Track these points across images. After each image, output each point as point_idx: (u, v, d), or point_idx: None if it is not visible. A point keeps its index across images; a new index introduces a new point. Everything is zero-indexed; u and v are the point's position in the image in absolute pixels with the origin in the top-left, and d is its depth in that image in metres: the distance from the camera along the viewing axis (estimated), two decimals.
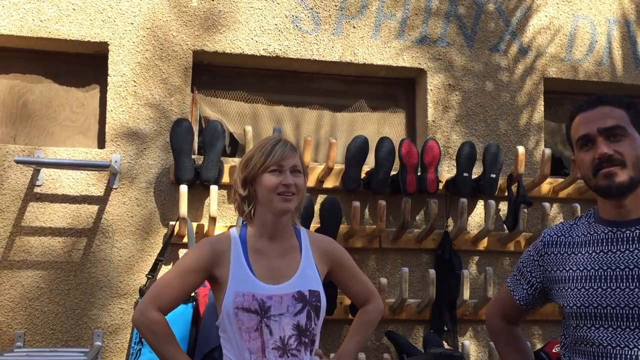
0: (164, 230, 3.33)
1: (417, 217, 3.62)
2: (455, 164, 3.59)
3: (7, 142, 3.40)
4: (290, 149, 1.91)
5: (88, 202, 3.29)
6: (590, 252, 1.66)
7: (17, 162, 3.14)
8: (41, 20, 3.34)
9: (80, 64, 3.54)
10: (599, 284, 1.62)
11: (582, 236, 1.70)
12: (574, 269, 1.68)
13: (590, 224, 1.70)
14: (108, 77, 3.39)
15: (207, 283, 2.01)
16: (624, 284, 1.58)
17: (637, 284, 1.56)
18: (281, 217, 1.91)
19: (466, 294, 3.40)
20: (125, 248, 3.29)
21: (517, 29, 3.93)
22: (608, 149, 1.57)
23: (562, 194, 3.76)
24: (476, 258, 3.67)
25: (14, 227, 3.21)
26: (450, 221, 3.62)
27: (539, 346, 3.56)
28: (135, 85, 3.40)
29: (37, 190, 3.24)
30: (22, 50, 3.46)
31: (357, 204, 3.35)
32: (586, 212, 1.76)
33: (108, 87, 3.39)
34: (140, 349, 2.98)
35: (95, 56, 3.51)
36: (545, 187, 3.73)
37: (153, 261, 3.24)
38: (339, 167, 3.48)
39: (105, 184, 3.31)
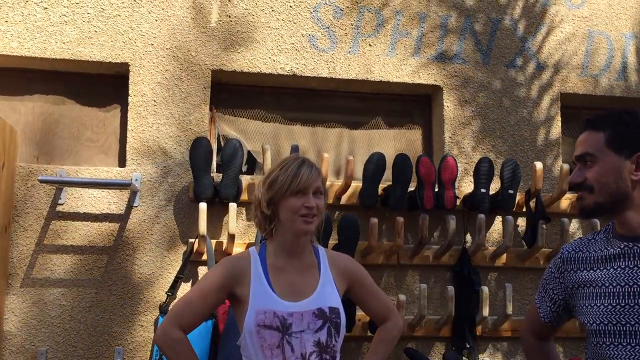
0: (184, 248, 3.36)
1: (435, 234, 3.61)
2: (472, 180, 3.58)
3: (31, 161, 3.46)
4: (315, 172, 1.93)
5: (109, 220, 3.33)
6: (609, 268, 1.66)
7: (41, 181, 3.20)
8: (64, 43, 3.42)
9: (101, 85, 3.61)
10: (617, 301, 1.61)
11: (600, 251, 1.70)
12: (594, 285, 1.68)
13: (608, 240, 1.71)
14: (129, 97, 3.45)
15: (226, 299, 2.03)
16: None
17: None
18: (301, 237, 1.93)
19: (485, 311, 3.38)
20: (146, 265, 3.33)
21: (533, 44, 3.93)
22: (575, 177, 1.72)
23: None
24: (495, 274, 3.65)
25: (36, 245, 3.26)
26: (468, 237, 3.62)
27: None
28: (155, 105, 3.46)
29: (59, 208, 3.30)
30: (45, 71, 3.54)
31: (374, 220, 3.36)
32: (605, 227, 1.76)
33: (129, 107, 3.45)
34: None
35: (116, 77, 3.57)
36: (564, 202, 3.71)
37: (173, 278, 3.28)
38: (356, 184, 3.49)
39: (126, 202, 3.35)
